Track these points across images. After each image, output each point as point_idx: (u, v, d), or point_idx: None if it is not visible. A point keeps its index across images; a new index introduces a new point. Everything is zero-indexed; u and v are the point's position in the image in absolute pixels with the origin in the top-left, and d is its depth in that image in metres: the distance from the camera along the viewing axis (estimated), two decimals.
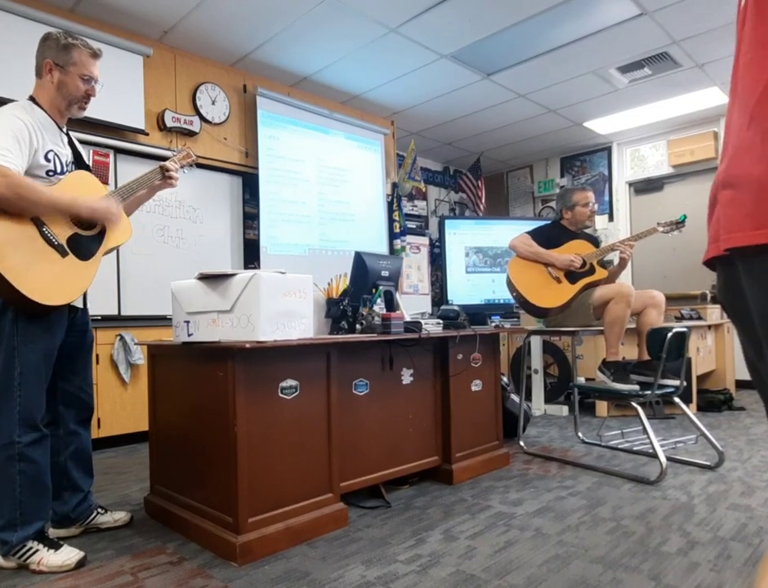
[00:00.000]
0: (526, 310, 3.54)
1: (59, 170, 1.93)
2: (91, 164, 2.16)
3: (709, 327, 4.87)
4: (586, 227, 3.53)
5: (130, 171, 3.87)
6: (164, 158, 3.94)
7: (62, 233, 1.86)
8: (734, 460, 3.05)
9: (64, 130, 2.04)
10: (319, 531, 2.11)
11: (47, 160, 1.88)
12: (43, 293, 1.77)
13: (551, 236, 3.45)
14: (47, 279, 1.79)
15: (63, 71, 1.92)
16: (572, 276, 3.31)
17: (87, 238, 1.94)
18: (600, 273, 3.31)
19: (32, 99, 1.95)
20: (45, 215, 1.82)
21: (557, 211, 3.60)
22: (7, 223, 1.74)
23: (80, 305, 2.07)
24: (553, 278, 3.32)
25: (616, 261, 3.49)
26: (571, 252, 3.34)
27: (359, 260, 2.53)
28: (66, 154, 1.99)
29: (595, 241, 3.55)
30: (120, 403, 3.68)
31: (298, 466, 2.09)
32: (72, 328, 2.03)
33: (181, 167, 2.32)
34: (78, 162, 2.06)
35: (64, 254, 1.85)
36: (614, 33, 4.11)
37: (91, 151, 3.62)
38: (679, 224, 3.33)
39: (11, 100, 3.28)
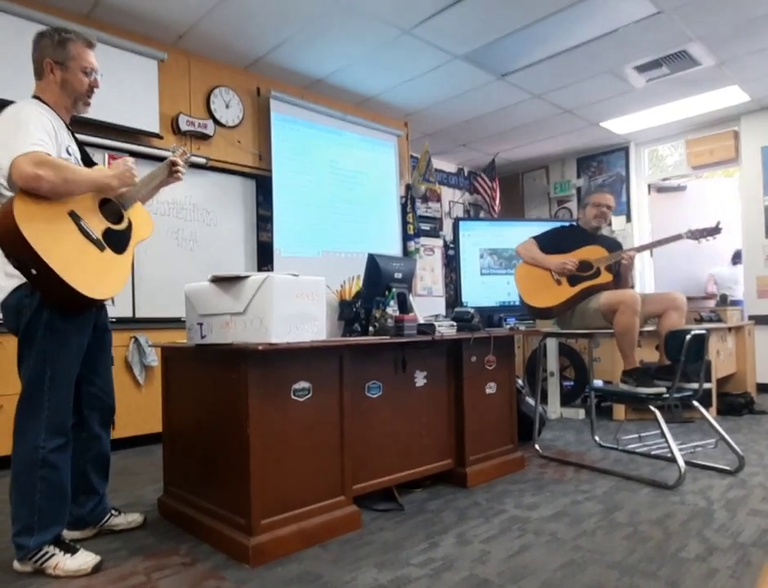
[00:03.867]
0: (529, 313, 3.57)
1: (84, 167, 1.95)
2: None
3: (729, 329, 4.77)
4: (596, 228, 3.49)
5: (145, 174, 3.90)
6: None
7: (97, 227, 1.88)
8: (754, 465, 2.99)
9: (70, 128, 2.04)
10: (331, 533, 2.10)
11: (69, 154, 1.91)
12: (90, 287, 1.77)
13: (561, 240, 3.44)
14: (91, 273, 1.80)
15: (64, 68, 1.91)
16: (573, 279, 3.30)
17: (118, 232, 1.96)
18: (605, 278, 3.28)
19: (37, 98, 1.92)
20: (86, 192, 1.84)
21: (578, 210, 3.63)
22: (49, 218, 1.74)
23: (110, 302, 2.05)
24: (554, 280, 3.32)
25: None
26: (580, 257, 3.33)
27: (372, 262, 2.52)
28: (76, 150, 2.01)
29: (614, 245, 3.49)
30: (135, 405, 3.71)
31: (311, 468, 2.08)
32: (94, 328, 2.03)
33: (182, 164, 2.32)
34: (85, 160, 2.07)
35: (102, 248, 1.87)
36: (631, 31, 4.06)
37: (105, 155, 3.67)
38: (713, 230, 3.21)
39: None
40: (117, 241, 1.94)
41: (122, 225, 2.00)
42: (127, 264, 1.99)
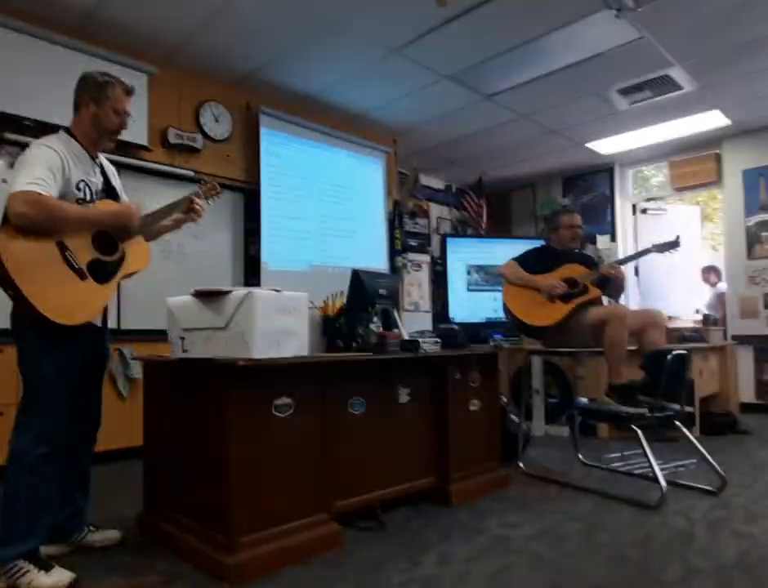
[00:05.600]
0: (522, 332, 3.56)
1: (88, 198, 2.04)
2: None
3: (712, 348, 4.82)
4: (572, 248, 3.54)
5: (133, 187, 3.88)
6: (167, 175, 4.06)
7: (84, 258, 1.96)
8: (736, 485, 3.00)
9: (97, 160, 2.14)
10: (312, 551, 2.07)
11: (78, 189, 2.00)
12: (59, 312, 1.85)
13: (540, 260, 3.48)
14: (65, 300, 1.88)
15: (98, 105, 2.04)
16: (565, 296, 3.32)
17: (106, 263, 2.02)
18: (594, 292, 3.32)
19: (67, 130, 2.07)
20: (75, 230, 1.92)
21: (545, 232, 3.66)
22: (33, 246, 1.84)
23: (99, 323, 2.12)
24: (546, 298, 3.33)
25: None
26: (563, 276, 3.35)
27: (357, 278, 2.53)
28: (97, 183, 2.10)
29: (590, 261, 3.55)
30: (118, 418, 3.65)
31: (292, 485, 2.06)
32: (91, 344, 2.09)
33: (206, 198, 2.39)
34: (109, 191, 2.15)
35: (83, 277, 1.94)
36: (615, 55, 4.14)
37: None
38: (673, 244, 3.37)
39: (17, 117, 3.36)
40: (103, 271, 2.00)
41: (114, 257, 2.06)
42: (107, 294, 2.04)
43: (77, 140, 2.05)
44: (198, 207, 2.30)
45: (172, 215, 2.28)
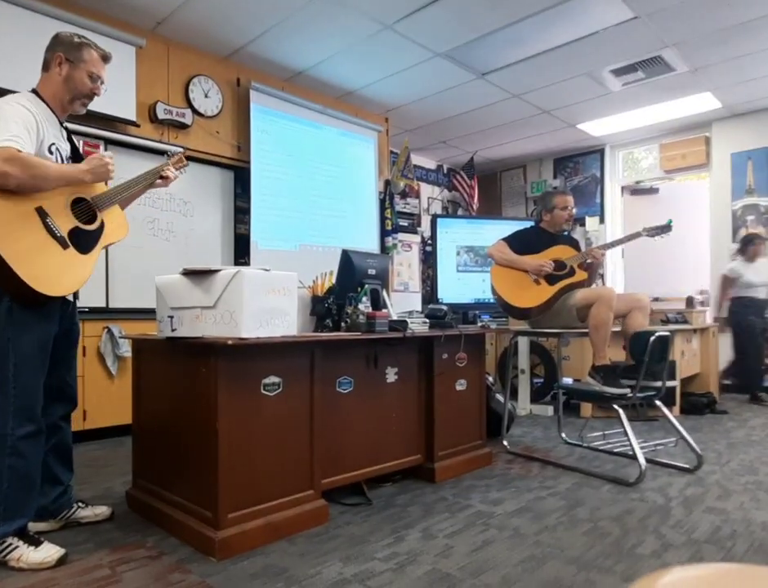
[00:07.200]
0: (508, 313, 3.59)
1: (59, 163, 1.97)
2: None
3: (695, 330, 4.91)
4: (564, 230, 3.58)
5: (120, 162, 3.83)
6: (155, 151, 4.01)
7: (64, 225, 1.89)
8: (713, 463, 3.09)
9: (64, 125, 2.08)
10: (298, 527, 2.12)
11: (50, 153, 1.93)
12: (43, 283, 1.79)
13: (529, 241, 3.50)
14: (48, 269, 1.82)
15: (72, 66, 1.97)
16: (552, 278, 3.35)
17: (86, 232, 1.97)
18: (581, 276, 3.36)
19: (35, 92, 1.98)
20: (56, 187, 1.86)
21: (537, 212, 3.67)
22: (12, 213, 1.77)
23: (71, 297, 2.08)
24: (533, 280, 3.36)
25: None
26: (552, 257, 3.38)
27: (346, 258, 2.54)
28: (66, 149, 2.04)
29: (575, 244, 3.59)
30: (107, 396, 3.68)
31: (279, 463, 2.10)
32: (61, 320, 2.04)
33: (176, 170, 2.35)
34: (75, 157, 2.09)
35: (65, 246, 1.88)
36: (609, 35, 4.13)
37: (81, 142, 3.60)
38: (665, 228, 3.39)
39: None
40: (83, 241, 1.95)
41: (93, 226, 2.00)
42: (90, 264, 1.98)
43: (45, 103, 1.96)
44: (169, 173, 2.26)
45: (143, 184, 2.21)
